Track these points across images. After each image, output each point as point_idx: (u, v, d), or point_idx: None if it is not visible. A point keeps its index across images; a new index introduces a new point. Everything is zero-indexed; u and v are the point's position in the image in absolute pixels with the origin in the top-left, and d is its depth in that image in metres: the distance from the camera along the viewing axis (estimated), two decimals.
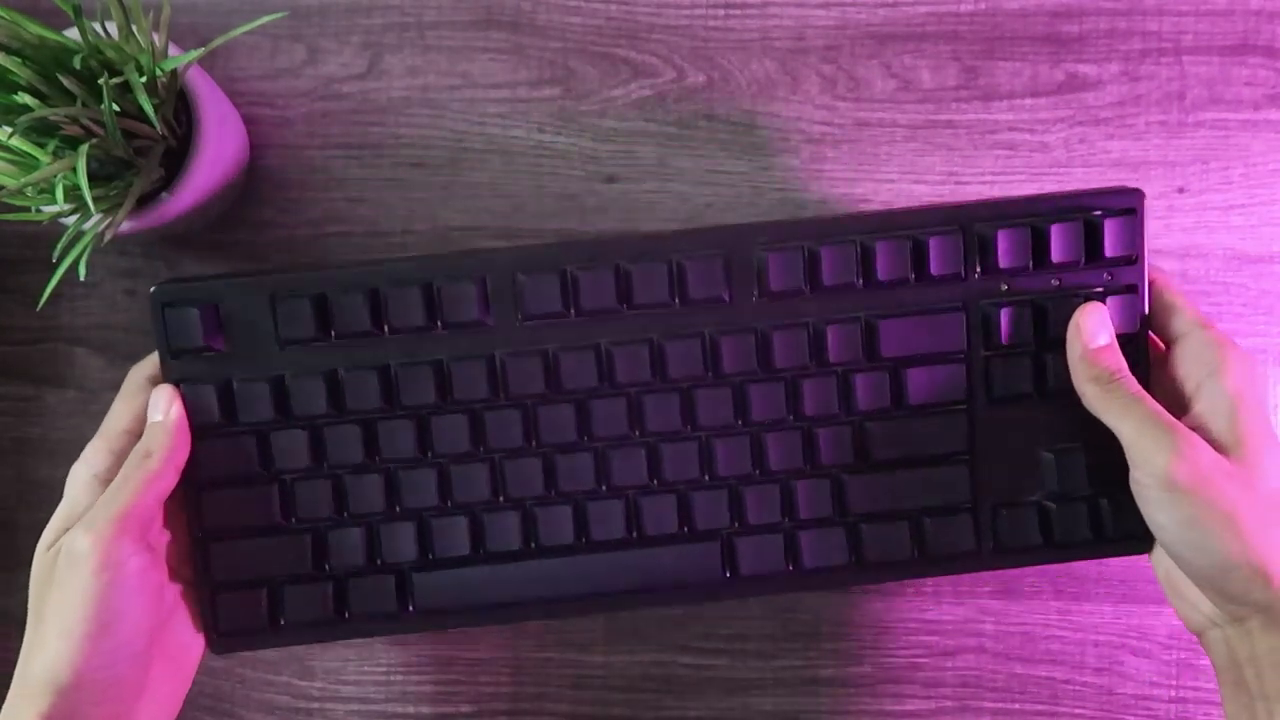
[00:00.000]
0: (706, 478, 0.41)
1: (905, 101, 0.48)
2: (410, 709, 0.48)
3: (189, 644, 0.41)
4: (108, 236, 0.38)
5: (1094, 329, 0.40)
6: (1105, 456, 0.40)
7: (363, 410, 0.41)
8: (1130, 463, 0.38)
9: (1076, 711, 0.48)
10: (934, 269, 0.40)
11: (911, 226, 0.40)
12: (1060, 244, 0.40)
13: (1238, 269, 0.48)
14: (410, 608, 0.42)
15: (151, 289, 0.40)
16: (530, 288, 0.40)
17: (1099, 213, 0.40)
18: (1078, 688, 0.48)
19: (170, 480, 0.39)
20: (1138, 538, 0.40)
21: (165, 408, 0.39)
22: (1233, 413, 0.37)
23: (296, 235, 0.48)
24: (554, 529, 0.41)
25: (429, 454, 0.41)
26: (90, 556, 0.36)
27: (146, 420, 0.40)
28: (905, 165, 0.48)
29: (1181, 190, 0.48)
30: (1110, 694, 0.48)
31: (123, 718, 0.37)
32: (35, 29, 0.37)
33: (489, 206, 0.48)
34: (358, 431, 0.41)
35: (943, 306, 0.41)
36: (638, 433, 0.41)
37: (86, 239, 0.38)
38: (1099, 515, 0.41)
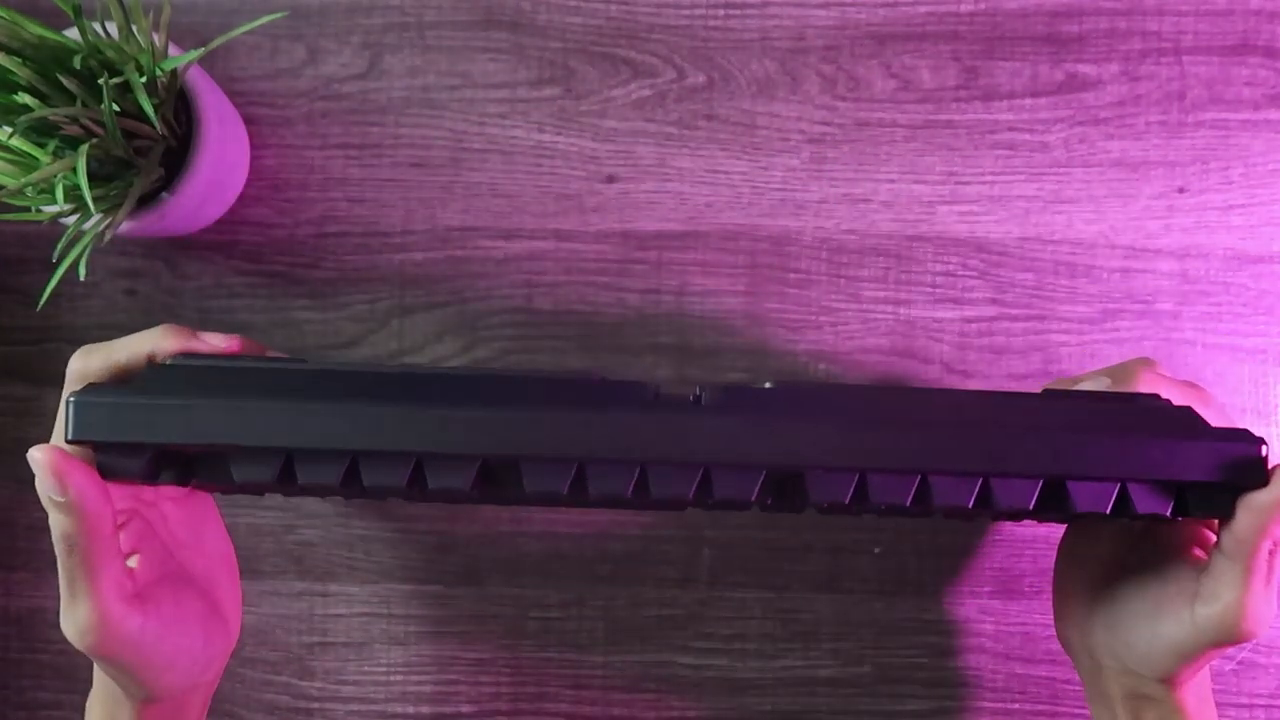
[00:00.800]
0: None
1: (905, 101, 0.48)
2: (410, 709, 0.48)
3: (222, 539, 0.41)
4: (108, 236, 0.38)
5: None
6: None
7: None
8: (1202, 598, 0.35)
9: (1076, 711, 0.48)
10: (995, 508, 0.34)
11: (984, 461, 0.33)
12: (1141, 511, 0.34)
13: (1238, 269, 0.48)
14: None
15: (67, 438, 0.32)
16: (533, 479, 0.34)
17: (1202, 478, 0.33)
18: (1077, 687, 0.48)
19: (111, 546, 0.33)
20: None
21: (59, 488, 0.32)
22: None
23: (296, 235, 0.48)
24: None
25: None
26: (105, 659, 0.34)
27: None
28: (905, 165, 0.48)
29: (1181, 190, 0.48)
30: None
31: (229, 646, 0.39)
32: (35, 29, 0.37)
33: (489, 206, 0.48)
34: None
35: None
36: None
37: (86, 239, 0.38)
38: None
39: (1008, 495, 0.33)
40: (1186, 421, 0.35)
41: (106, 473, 0.33)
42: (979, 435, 0.33)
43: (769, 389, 0.35)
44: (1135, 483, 0.33)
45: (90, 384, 0.34)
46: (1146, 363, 0.38)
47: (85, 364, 0.35)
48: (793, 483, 0.34)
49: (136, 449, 0.33)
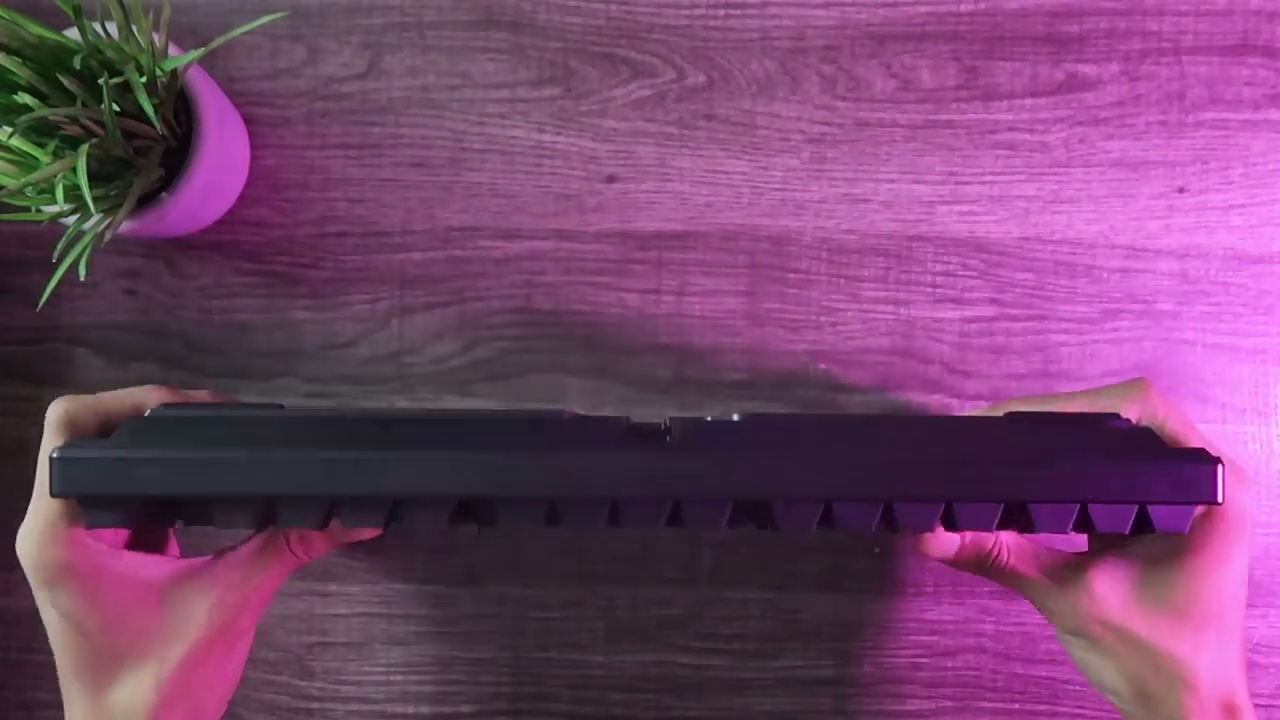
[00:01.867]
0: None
1: (905, 101, 0.48)
2: (410, 709, 0.48)
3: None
4: (108, 236, 0.38)
5: (942, 547, 0.39)
6: None
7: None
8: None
9: (1076, 711, 0.48)
10: (959, 529, 0.36)
11: (945, 488, 0.35)
12: (1101, 530, 0.35)
13: (1238, 269, 0.48)
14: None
15: (51, 493, 0.34)
16: (508, 517, 0.35)
17: (1162, 497, 0.35)
18: (1078, 688, 0.48)
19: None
20: None
21: None
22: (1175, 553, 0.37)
23: (296, 235, 0.48)
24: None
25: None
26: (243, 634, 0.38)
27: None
28: (905, 165, 0.48)
29: (1181, 190, 0.48)
30: None
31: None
32: (35, 29, 0.37)
33: (489, 206, 0.48)
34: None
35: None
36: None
37: (86, 239, 0.38)
38: None
39: (970, 519, 0.35)
40: (1145, 442, 0.36)
41: (91, 522, 0.34)
42: (940, 464, 0.35)
43: (735, 422, 0.36)
44: (1095, 504, 0.35)
45: (74, 437, 0.35)
46: (1142, 384, 0.38)
47: (67, 412, 0.36)
48: (762, 511, 0.35)
49: (120, 501, 0.34)
